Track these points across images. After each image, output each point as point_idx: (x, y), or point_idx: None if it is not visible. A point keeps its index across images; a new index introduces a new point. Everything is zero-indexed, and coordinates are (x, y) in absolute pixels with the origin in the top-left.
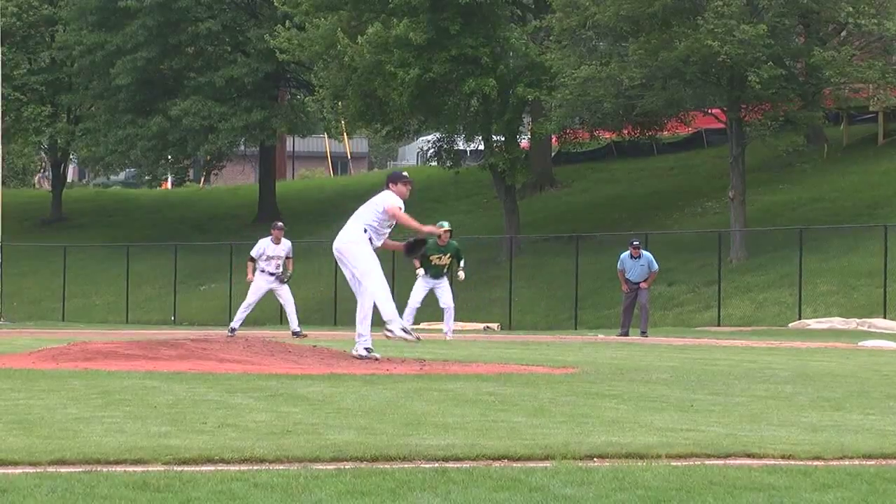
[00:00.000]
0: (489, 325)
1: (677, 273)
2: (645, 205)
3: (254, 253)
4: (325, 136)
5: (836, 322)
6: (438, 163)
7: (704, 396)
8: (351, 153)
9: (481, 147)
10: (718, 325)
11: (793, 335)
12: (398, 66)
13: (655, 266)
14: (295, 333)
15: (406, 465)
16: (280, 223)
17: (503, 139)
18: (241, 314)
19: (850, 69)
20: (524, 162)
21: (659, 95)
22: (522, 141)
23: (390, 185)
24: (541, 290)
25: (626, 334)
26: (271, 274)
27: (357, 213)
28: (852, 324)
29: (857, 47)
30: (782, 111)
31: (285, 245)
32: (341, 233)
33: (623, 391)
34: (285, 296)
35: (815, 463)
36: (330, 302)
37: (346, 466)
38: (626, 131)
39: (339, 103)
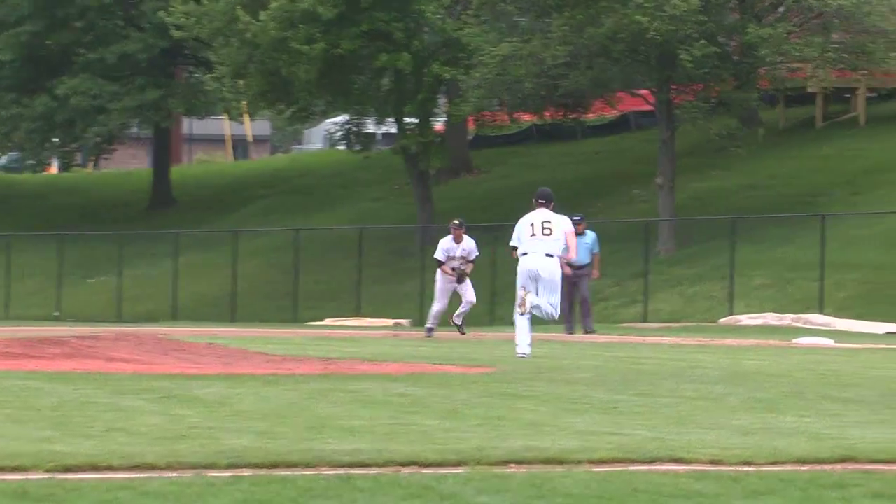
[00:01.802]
0: (399, 321)
1: (602, 265)
2: (568, 192)
3: (437, 256)
4: (225, 117)
5: (770, 318)
6: (347, 146)
7: (629, 397)
8: (252, 136)
9: (393, 130)
10: (645, 321)
11: (724, 332)
12: (304, 43)
13: (597, 248)
14: (456, 325)
15: (308, 472)
16: (456, 221)
17: (417, 121)
18: (435, 317)
19: (787, 47)
20: (439, 146)
21: (584, 75)
22: (437, 123)
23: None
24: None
25: (572, 331)
26: (454, 271)
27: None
28: (787, 320)
29: (794, 24)
30: (715, 92)
31: (467, 244)
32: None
33: (542, 392)
34: (468, 296)
35: (746, 468)
36: (228, 297)
37: (244, 474)
38: (548, 113)
39: (240, 82)
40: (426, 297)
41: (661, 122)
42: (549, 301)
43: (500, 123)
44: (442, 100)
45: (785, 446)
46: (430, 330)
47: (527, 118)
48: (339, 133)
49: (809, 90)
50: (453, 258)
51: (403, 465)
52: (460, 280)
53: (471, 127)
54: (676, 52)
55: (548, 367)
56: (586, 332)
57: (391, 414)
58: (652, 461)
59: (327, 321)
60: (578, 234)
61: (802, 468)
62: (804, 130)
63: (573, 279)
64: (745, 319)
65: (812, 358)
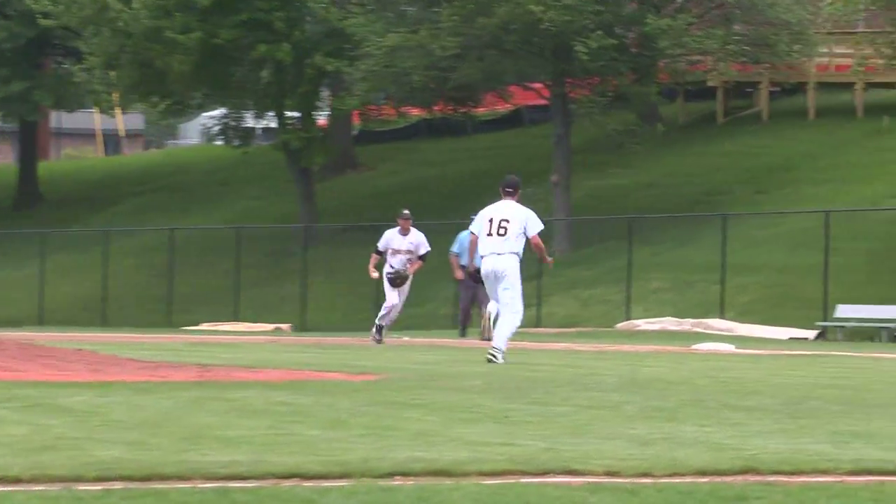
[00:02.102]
0: (280, 325)
1: None
2: (459, 189)
3: (379, 245)
4: (96, 110)
5: (669, 323)
6: (224, 142)
7: (522, 406)
8: (125, 131)
9: (273, 124)
10: (539, 325)
11: (621, 337)
12: (180, 32)
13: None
14: (378, 328)
15: (183, 485)
16: (405, 211)
17: (298, 115)
18: (390, 315)
19: (687, 39)
20: (322, 141)
21: (475, 67)
22: (320, 118)
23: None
24: (340, 286)
25: (465, 335)
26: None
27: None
28: (686, 325)
29: (695, 15)
30: (612, 86)
31: (415, 237)
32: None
33: (431, 400)
34: (397, 299)
35: (644, 480)
36: (98, 300)
37: (115, 487)
38: (438, 107)
39: (112, 73)
40: (309, 300)
41: (555, 118)
42: (505, 305)
43: (386, 118)
44: (325, 93)
45: (684, 457)
46: (379, 329)
47: (415, 112)
48: (217, 128)
49: (710, 84)
50: (398, 252)
51: (284, 477)
52: (394, 283)
53: (356, 121)
54: (572, 43)
55: (437, 375)
56: (487, 340)
57: (271, 423)
58: (545, 473)
59: (203, 326)
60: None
61: (702, 480)
62: (705, 126)
63: (475, 283)
64: (643, 324)
65: (713, 364)
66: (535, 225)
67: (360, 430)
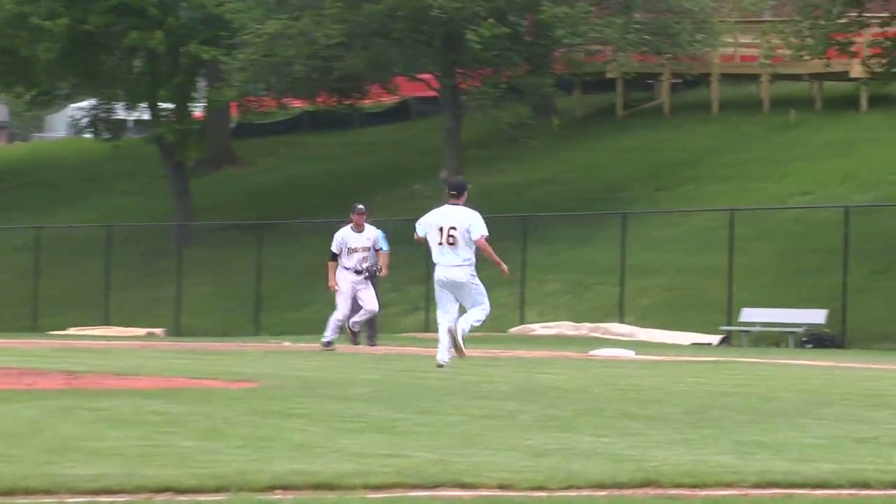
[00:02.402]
0: (153, 330)
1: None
2: (343, 186)
3: (333, 248)
4: None
5: (566, 327)
6: (94, 135)
7: (410, 415)
8: None
9: (146, 116)
10: (427, 330)
11: (515, 342)
12: (46, 18)
13: (385, 246)
14: (353, 332)
15: (49, 500)
16: (360, 206)
17: (173, 107)
18: (332, 325)
19: (585, 28)
20: (198, 134)
21: (361, 57)
22: (196, 110)
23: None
24: (216, 289)
25: (357, 341)
26: (357, 272)
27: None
28: (584, 329)
29: (593, 2)
30: (505, 77)
31: (371, 233)
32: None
33: (313, 409)
34: (370, 304)
35: (538, 493)
36: None
37: None
38: (321, 99)
39: None
40: (184, 303)
41: (445, 110)
42: (473, 307)
43: (266, 110)
44: (201, 83)
45: (581, 469)
46: (329, 343)
47: (297, 104)
48: (86, 120)
49: (609, 76)
50: (354, 251)
51: (156, 491)
52: (370, 277)
53: (234, 114)
54: (462, 31)
55: (319, 382)
56: (369, 342)
57: (143, 434)
58: (434, 486)
59: (71, 330)
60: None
61: (600, 493)
62: (604, 120)
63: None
64: (538, 329)
65: (612, 371)
66: (478, 228)
67: (238, 440)
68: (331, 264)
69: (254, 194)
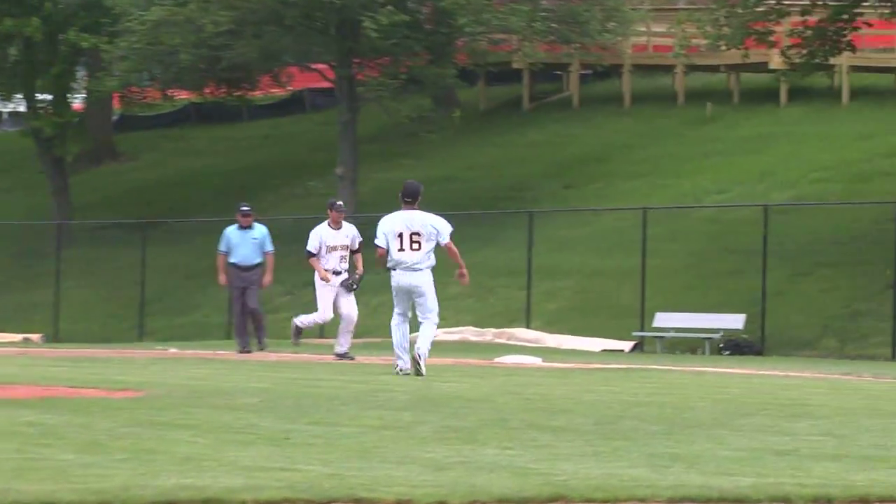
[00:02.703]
0: (29, 335)
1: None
2: (232, 183)
3: (311, 247)
4: None
5: (469, 333)
6: None
7: (303, 427)
8: None
9: (22, 108)
10: (323, 336)
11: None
12: None
13: (270, 245)
14: (340, 355)
15: None
16: (339, 202)
17: (51, 98)
18: (309, 320)
19: (488, 16)
20: (78, 127)
21: (251, 45)
22: (76, 101)
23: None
24: (97, 292)
25: (247, 349)
26: (336, 273)
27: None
28: (488, 335)
29: None
30: (404, 67)
31: (349, 231)
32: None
33: (201, 420)
34: (348, 310)
35: None
36: None
37: None
38: (209, 90)
39: None
40: (62, 307)
41: (341, 103)
42: (426, 315)
43: (150, 102)
44: (81, 73)
45: (485, 483)
46: (344, 354)
47: (183, 96)
48: None
49: (515, 66)
50: (333, 249)
51: None
52: (350, 289)
53: (116, 106)
54: (359, 19)
55: (208, 391)
56: (261, 350)
57: (18, 447)
58: (329, 501)
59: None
60: (247, 227)
61: None
62: (509, 113)
63: (241, 285)
64: (439, 334)
65: (517, 380)
66: (446, 228)
67: (121, 453)
68: (315, 261)
69: (137, 191)
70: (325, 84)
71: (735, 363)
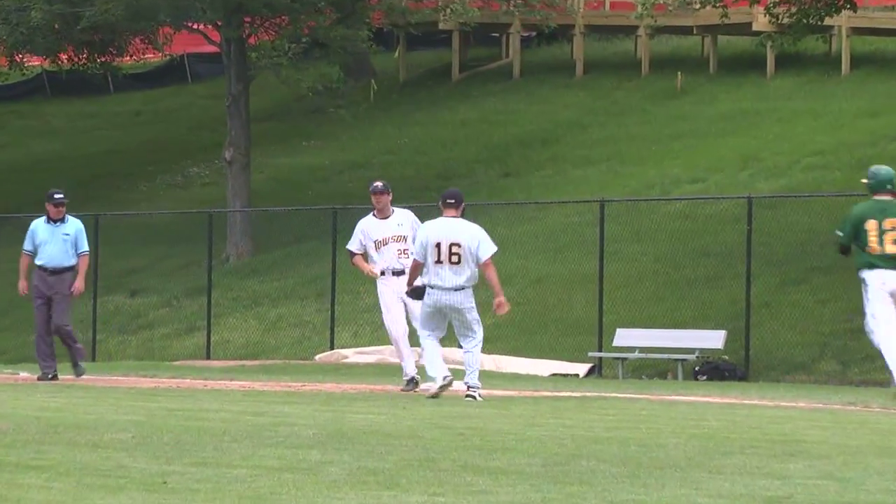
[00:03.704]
0: None
1: (145, 277)
2: (95, 169)
3: (351, 245)
4: None
5: (388, 353)
6: None
7: (184, 468)
8: None
9: None
10: (208, 357)
11: (322, 372)
12: None
13: (85, 245)
14: (410, 382)
15: None
16: (377, 182)
17: None
18: (403, 351)
19: None
20: None
21: (118, 2)
22: None
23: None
24: None
25: (54, 375)
26: (395, 273)
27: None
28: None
29: None
30: (307, 28)
31: (403, 217)
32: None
33: (58, 461)
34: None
35: None
36: None
37: None
38: (66, 56)
39: None
40: None
41: (229, 71)
42: (466, 336)
43: None
44: None
45: None
46: (413, 381)
47: (35, 62)
48: None
49: (443, 28)
50: (384, 243)
51: None
52: (416, 294)
53: None
54: None
55: (67, 425)
56: (78, 375)
57: None
58: None
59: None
60: (58, 220)
61: None
62: (435, 85)
63: (48, 293)
64: (352, 355)
65: (447, 411)
66: (488, 247)
67: None
68: (357, 257)
69: None
70: (210, 49)
71: (714, 390)
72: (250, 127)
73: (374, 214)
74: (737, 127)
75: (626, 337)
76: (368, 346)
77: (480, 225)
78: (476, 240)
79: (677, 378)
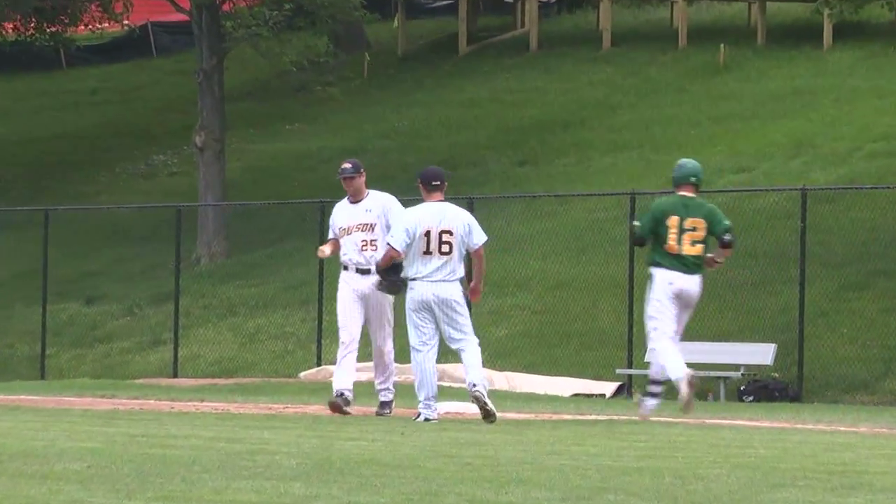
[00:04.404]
0: None
1: (103, 282)
2: (45, 157)
3: (329, 235)
4: None
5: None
6: None
7: (149, 503)
8: None
9: None
10: (177, 374)
11: (307, 392)
12: None
13: None
14: (384, 405)
15: None
16: (346, 164)
17: None
18: (342, 366)
19: None
20: None
21: None
22: None
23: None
24: None
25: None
26: (359, 271)
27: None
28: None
29: None
30: None
31: (374, 202)
32: None
33: (2, 494)
34: (377, 324)
35: None
36: None
37: None
38: (11, 26)
39: None
40: None
41: (200, 44)
42: (460, 339)
43: None
44: None
45: None
46: (342, 395)
47: None
48: None
49: None
50: (347, 232)
51: None
52: (392, 288)
53: None
54: None
55: (13, 453)
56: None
57: None
58: None
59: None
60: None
61: None
62: (440, 59)
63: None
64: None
65: (453, 436)
66: (480, 233)
67: None
68: (330, 243)
69: None
70: (178, 17)
71: (761, 413)
72: (225, 108)
73: (347, 198)
74: (788, 108)
75: None
76: (360, 362)
77: (493, 222)
78: (466, 225)
79: (719, 399)
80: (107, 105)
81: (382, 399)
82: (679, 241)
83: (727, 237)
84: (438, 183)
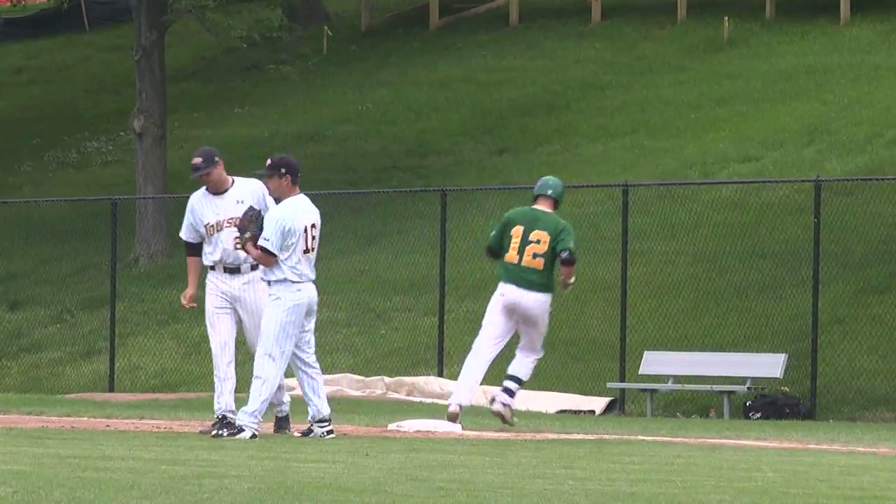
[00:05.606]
0: None
1: (28, 284)
2: None
3: (183, 234)
4: None
5: (347, 383)
6: None
7: None
8: None
9: None
10: (112, 389)
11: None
12: None
13: None
14: (221, 421)
15: None
16: (199, 159)
17: None
18: (219, 384)
19: None
20: None
21: None
22: None
23: None
24: None
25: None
26: (228, 270)
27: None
28: (379, 385)
29: None
30: None
31: (244, 191)
32: None
33: None
34: (256, 331)
35: None
36: None
37: None
38: None
39: None
40: None
41: (138, 17)
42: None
43: None
44: None
45: None
46: (225, 419)
47: None
48: None
49: None
50: (216, 228)
51: None
52: (252, 223)
53: None
54: None
55: None
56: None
57: None
58: None
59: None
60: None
61: None
62: (408, 34)
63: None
64: (299, 386)
65: (424, 458)
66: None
67: None
68: (191, 261)
69: None
70: None
71: (770, 431)
72: (166, 89)
73: (206, 188)
74: (801, 89)
75: (656, 362)
76: (328, 374)
77: (468, 216)
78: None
79: (723, 416)
80: (32, 85)
81: (277, 415)
82: (521, 251)
83: (564, 254)
84: (299, 175)
